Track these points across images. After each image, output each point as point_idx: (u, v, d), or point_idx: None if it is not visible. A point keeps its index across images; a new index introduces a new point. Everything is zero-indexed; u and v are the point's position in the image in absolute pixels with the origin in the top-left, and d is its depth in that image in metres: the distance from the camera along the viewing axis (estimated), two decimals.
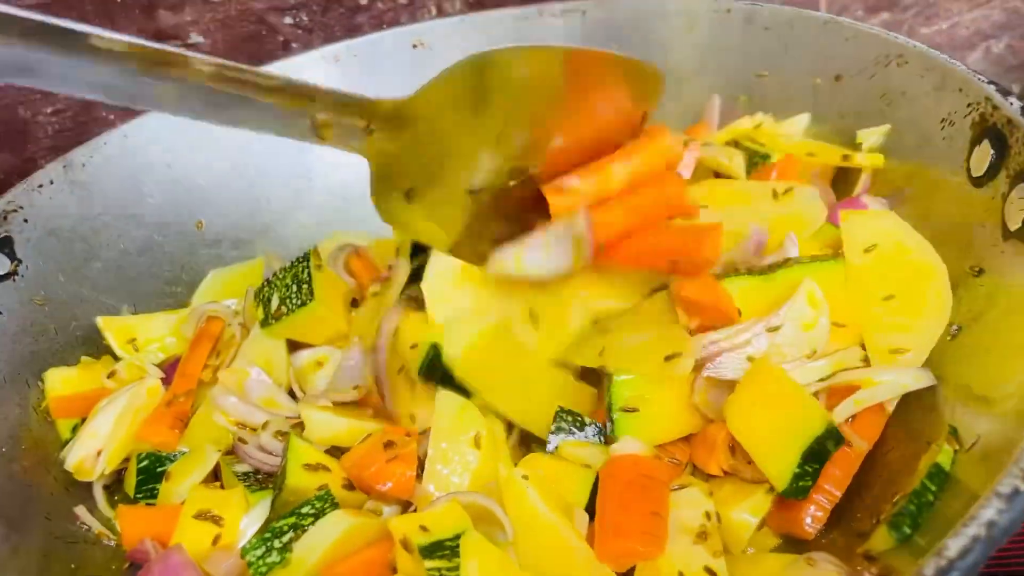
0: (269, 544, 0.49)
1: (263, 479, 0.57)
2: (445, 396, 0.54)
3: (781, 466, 0.45)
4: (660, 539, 0.44)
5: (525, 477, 0.48)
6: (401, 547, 0.46)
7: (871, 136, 0.62)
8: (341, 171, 0.83)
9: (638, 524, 0.44)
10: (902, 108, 0.61)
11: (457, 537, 0.45)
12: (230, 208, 0.80)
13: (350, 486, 0.54)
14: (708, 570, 0.43)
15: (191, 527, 0.53)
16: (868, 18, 1.05)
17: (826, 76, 0.66)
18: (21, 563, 0.55)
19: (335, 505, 0.51)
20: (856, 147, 0.63)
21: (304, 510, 0.50)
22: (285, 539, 0.49)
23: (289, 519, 0.50)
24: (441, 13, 0.94)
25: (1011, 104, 0.51)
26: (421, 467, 0.53)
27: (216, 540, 0.52)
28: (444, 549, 0.45)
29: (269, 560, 0.48)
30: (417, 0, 0.93)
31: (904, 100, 0.61)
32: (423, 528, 0.45)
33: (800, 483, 0.45)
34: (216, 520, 0.52)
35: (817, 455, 0.46)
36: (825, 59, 0.66)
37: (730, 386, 0.50)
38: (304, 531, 0.49)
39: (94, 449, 0.58)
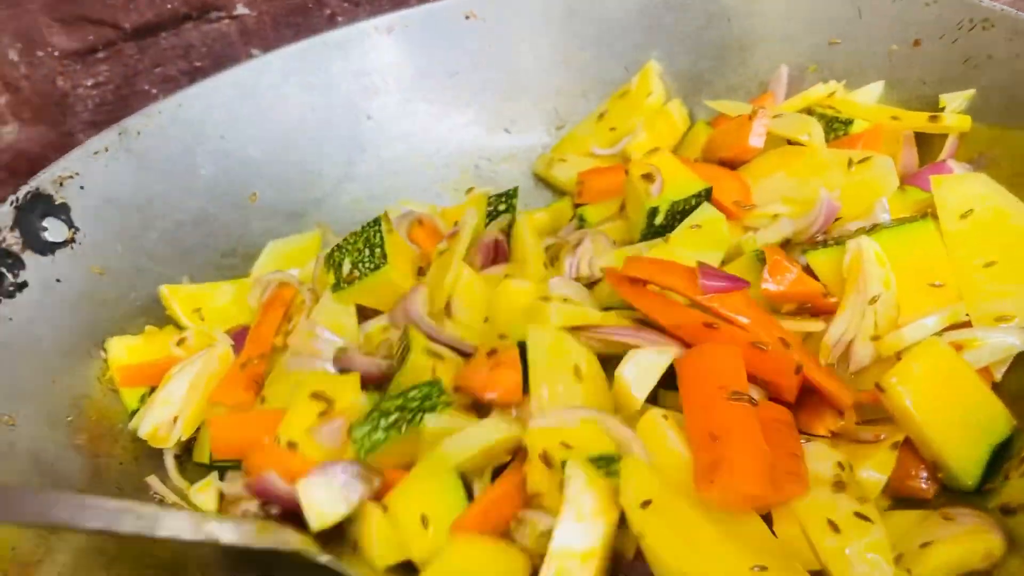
0: (375, 423, 0.50)
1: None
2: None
3: (968, 464, 0.46)
4: (804, 479, 0.43)
5: (665, 416, 0.47)
6: (539, 460, 0.45)
7: (955, 100, 0.61)
8: (394, 144, 0.82)
9: (782, 464, 0.43)
10: (987, 72, 0.60)
11: (603, 458, 0.45)
12: (283, 181, 0.78)
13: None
14: (859, 515, 0.42)
15: (304, 404, 0.52)
16: None
17: (904, 42, 0.65)
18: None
19: (443, 393, 0.51)
20: (939, 111, 0.62)
21: (411, 394, 0.51)
22: (391, 419, 0.50)
23: (396, 400, 0.50)
24: None
25: None
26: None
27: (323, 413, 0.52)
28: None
29: (374, 438, 0.50)
30: None
31: (990, 64, 0.60)
32: (564, 444, 0.45)
33: (987, 483, 0.45)
34: (328, 401, 0.52)
35: (1000, 455, 0.45)
36: (903, 24, 0.65)
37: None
38: (411, 414, 0.50)
39: (169, 416, 0.56)
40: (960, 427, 0.46)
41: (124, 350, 0.62)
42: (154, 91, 0.90)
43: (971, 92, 0.61)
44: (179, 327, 0.66)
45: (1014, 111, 0.58)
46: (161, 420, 0.56)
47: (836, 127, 0.64)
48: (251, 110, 0.77)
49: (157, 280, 0.69)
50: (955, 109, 0.61)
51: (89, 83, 0.89)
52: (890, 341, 0.50)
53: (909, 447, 0.47)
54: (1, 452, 0.53)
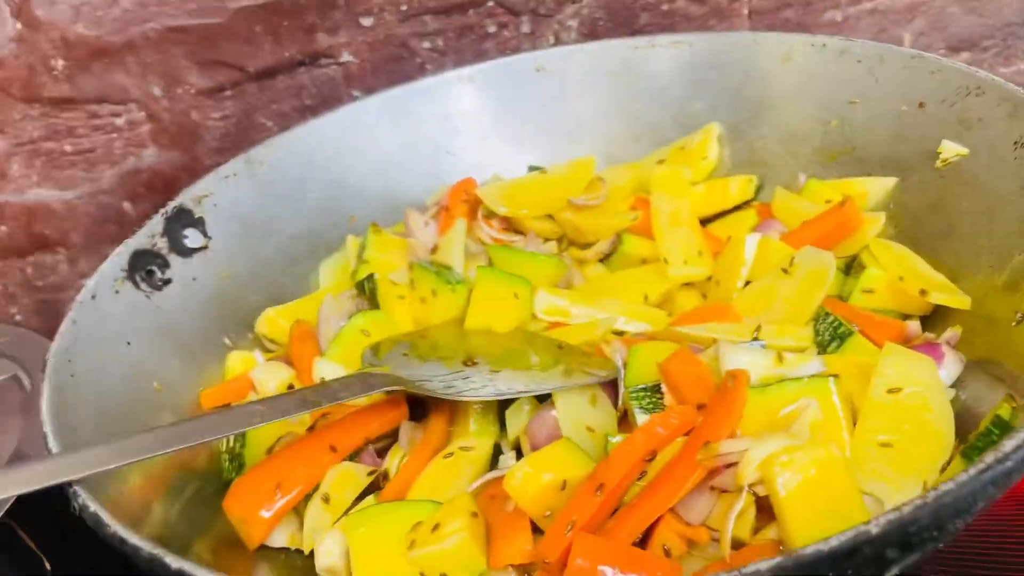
0: None
1: None
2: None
3: None
4: None
5: None
6: None
7: (951, 150, 0.71)
8: (470, 175, 0.95)
9: None
10: (978, 133, 0.70)
11: None
12: (375, 206, 0.92)
13: None
14: None
15: None
16: (950, 55, 1.13)
17: (911, 103, 0.76)
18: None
19: None
20: (936, 156, 0.72)
21: None
22: None
23: None
24: (559, 42, 1.06)
25: None
26: None
27: None
28: None
29: None
30: (537, 31, 1.05)
31: (980, 125, 0.70)
32: None
33: None
34: None
35: None
36: (911, 88, 0.75)
37: None
38: None
39: None
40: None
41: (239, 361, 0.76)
42: (269, 124, 1.06)
43: (966, 151, 0.71)
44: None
45: (996, 168, 0.67)
46: None
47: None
48: (351, 145, 0.92)
49: (269, 286, 0.84)
50: (948, 157, 0.71)
51: (216, 116, 1.05)
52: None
53: None
54: (152, 410, 0.68)
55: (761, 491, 0.49)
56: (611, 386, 0.63)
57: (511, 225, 0.85)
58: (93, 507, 0.48)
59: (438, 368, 0.62)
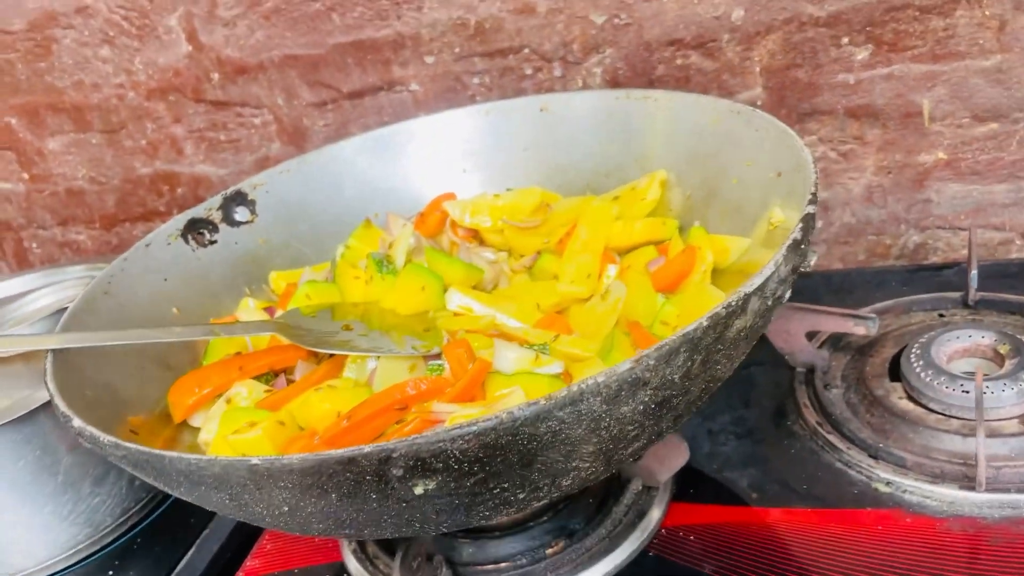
0: None
1: None
2: None
3: None
4: None
5: None
6: None
7: (778, 217, 0.81)
8: (475, 190, 1.16)
9: None
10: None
11: None
12: (393, 208, 1.17)
13: None
14: None
15: None
16: (975, 125, 1.15)
17: (775, 171, 0.86)
18: None
19: None
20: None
21: None
22: None
23: None
24: (586, 86, 1.24)
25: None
26: None
27: None
28: None
29: None
30: (568, 75, 1.23)
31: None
32: None
33: None
34: None
35: None
36: (778, 158, 0.86)
37: None
38: None
39: None
40: None
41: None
42: (357, 132, 1.35)
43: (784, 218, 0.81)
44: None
45: None
46: None
47: None
48: (383, 159, 1.17)
49: (295, 255, 1.12)
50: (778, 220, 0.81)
51: (321, 123, 1.36)
52: None
53: None
54: (164, 325, 0.98)
55: None
56: None
57: (476, 234, 1.06)
58: (51, 385, 0.77)
59: (324, 325, 0.86)
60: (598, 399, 0.55)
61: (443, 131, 1.16)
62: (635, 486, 0.87)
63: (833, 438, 0.92)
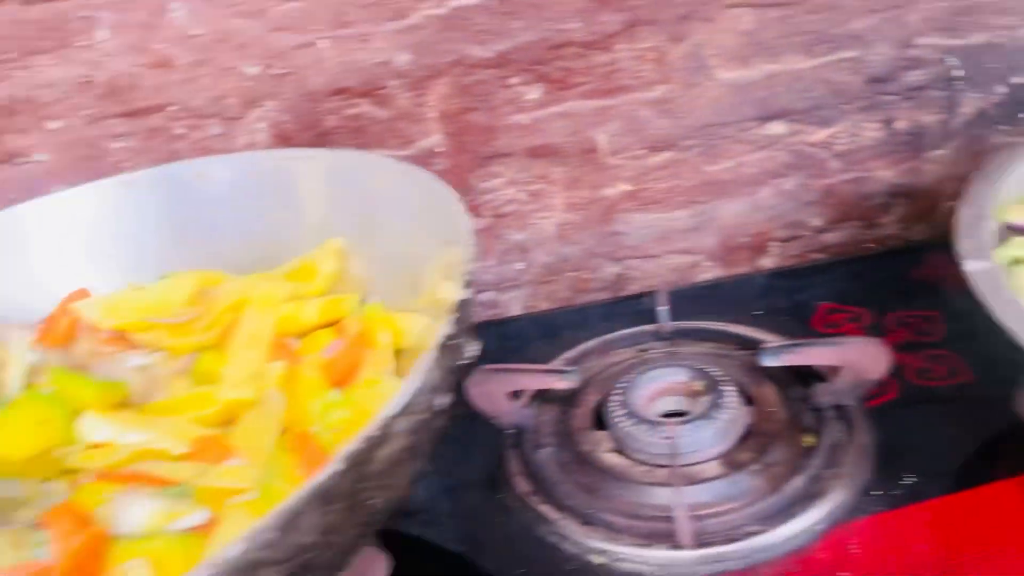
0: None
1: None
2: None
3: None
4: None
5: None
6: None
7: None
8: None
9: None
10: None
11: None
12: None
13: None
14: None
15: None
16: (649, 155, 1.16)
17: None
18: None
19: None
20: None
21: None
22: None
23: None
24: (255, 144, 1.10)
25: None
26: None
27: None
28: None
29: None
30: (229, 132, 1.09)
31: None
32: None
33: None
34: None
35: None
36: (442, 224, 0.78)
37: None
38: None
39: None
40: None
41: None
42: None
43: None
44: None
45: None
46: None
47: None
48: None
49: None
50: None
51: None
52: None
53: None
54: None
55: None
56: None
57: (122, 336, 0.89)
58: None
59: None
60: None
61: (70, 212, 0.98)
62: None
63: (545, 508, 0.87)
